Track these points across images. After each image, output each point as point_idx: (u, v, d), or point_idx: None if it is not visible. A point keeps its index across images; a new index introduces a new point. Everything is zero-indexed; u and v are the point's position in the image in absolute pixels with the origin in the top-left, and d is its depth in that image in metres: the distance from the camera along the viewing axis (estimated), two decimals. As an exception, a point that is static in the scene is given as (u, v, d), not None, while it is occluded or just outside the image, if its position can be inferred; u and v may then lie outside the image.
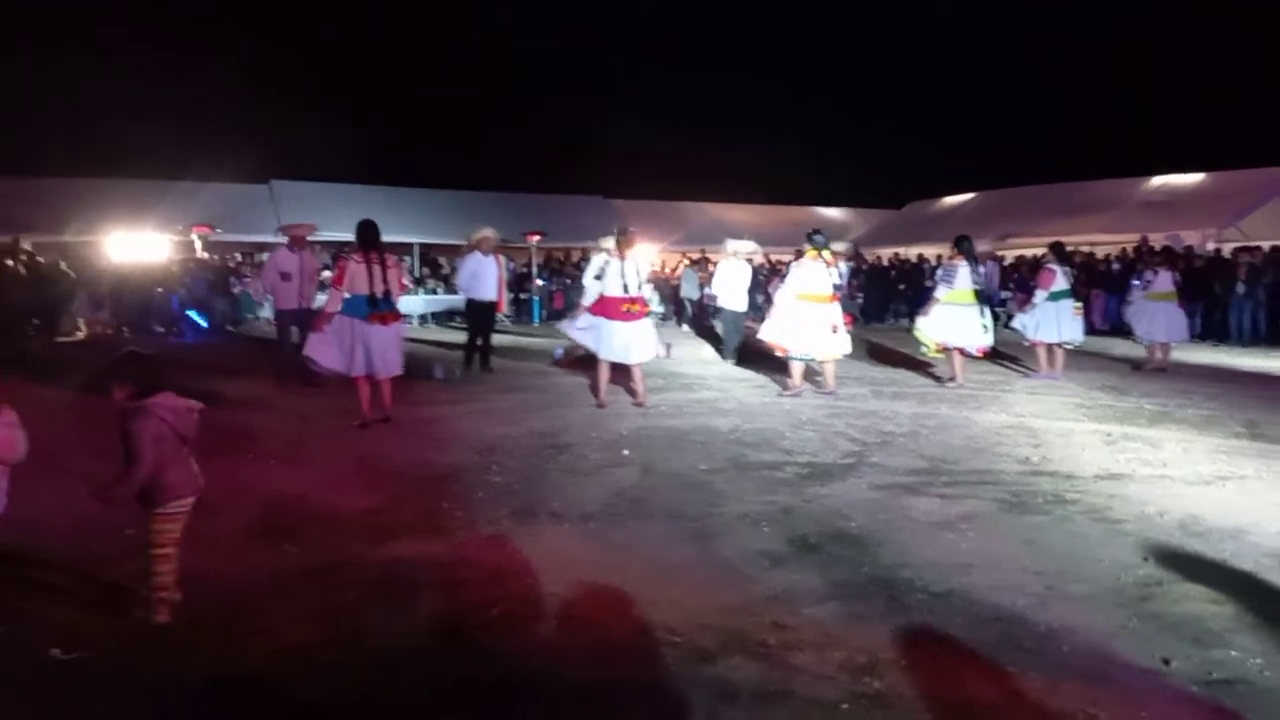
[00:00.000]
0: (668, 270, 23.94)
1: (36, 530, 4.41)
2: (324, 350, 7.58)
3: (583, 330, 8.72)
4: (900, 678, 3.25)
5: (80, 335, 16.91)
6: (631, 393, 8.81)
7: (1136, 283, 12.28)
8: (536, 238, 21.72)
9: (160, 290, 18.71)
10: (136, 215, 20.00)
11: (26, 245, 17.16)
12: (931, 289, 10.61)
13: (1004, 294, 18.76)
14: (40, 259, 17.17)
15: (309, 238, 10.69)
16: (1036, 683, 3.19)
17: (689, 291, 19.44)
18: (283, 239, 11.01)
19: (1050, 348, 10.73)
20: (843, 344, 9.27)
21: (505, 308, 11.73)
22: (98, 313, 17.59)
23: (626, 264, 8.50)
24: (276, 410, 8.48)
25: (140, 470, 3.55)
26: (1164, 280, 11.85)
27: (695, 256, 23.03)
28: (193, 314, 18.28)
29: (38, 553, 4.33)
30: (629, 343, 8.50)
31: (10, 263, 15.83)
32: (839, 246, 12.59)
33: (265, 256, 22.79)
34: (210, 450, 6.61)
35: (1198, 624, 3.67)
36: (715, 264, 15.99)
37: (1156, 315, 11.77)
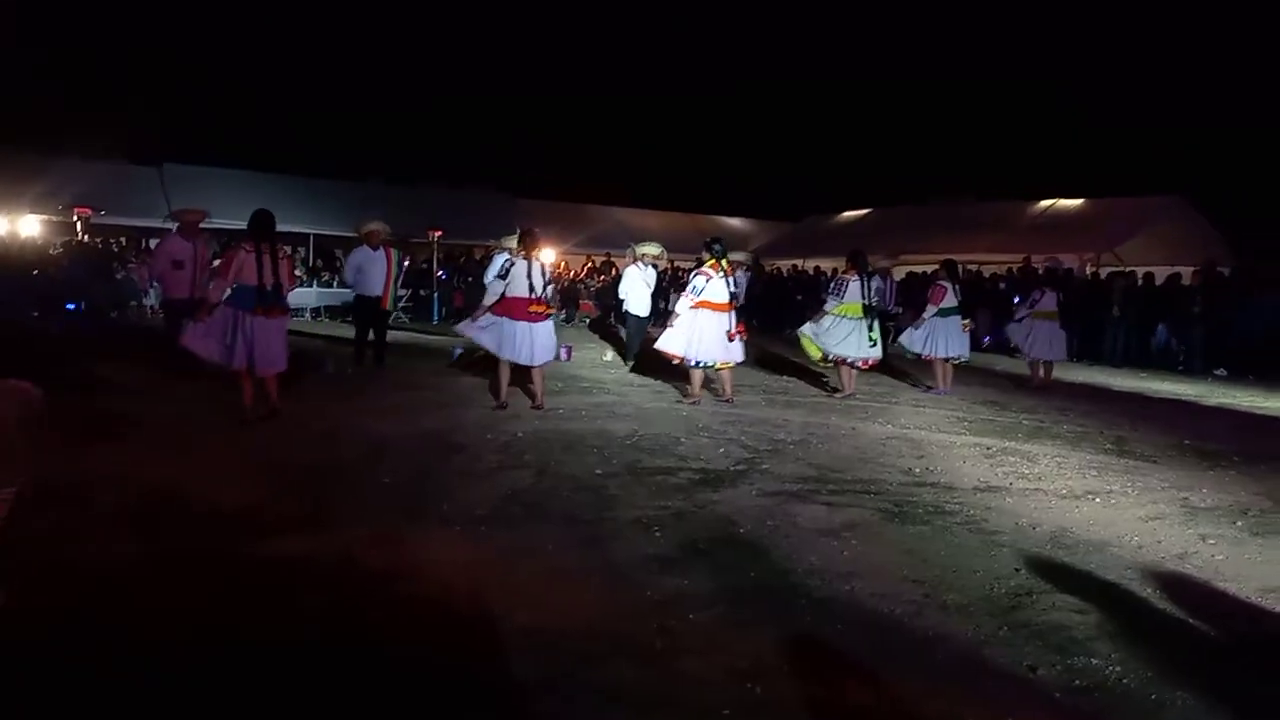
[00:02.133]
0: (571, 272, 23.94)
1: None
2: (203, 341, 7.34)
3: (482, 330, 8.57)
4: (782, 683, 3.31)
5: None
6: (530, 395, 8.76)
7: (1020, 300, 12.78)
8: (438, 233, 21.44)
9: (37, 273, 17.83)
10: (12, 191, 19.01)
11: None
12: (824, 301, 10.85)
13: (896, 309, 19.29)
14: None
15: (200, 225, 10.35)
16: (911, 689, 3.29)
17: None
18: (173, 225, 10.65)
19: (941, 363, 11.07)
20: (737, 352, 9.39)
21: (390, 303, 11.53)
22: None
23: (532, 265, 8.47)
24: (157, 400, 8.17)
25: None
26: (1049, 300, 12.38)
27: (600, 259, 23.07)
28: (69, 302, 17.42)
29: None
30: (532, 344, 8.44)
31: None
32: (737, 256, 12.71)
33: (154, 243, 22.04)
34: (87, 438, 6.39)
35: (1063, 633, 3.84)
36: (618, 268, 15.87)
37: (1040, 334, 12.30)
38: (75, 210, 19.30)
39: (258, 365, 7.38)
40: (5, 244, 17.86)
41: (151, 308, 19.36)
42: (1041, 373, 12.37)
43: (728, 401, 9.40)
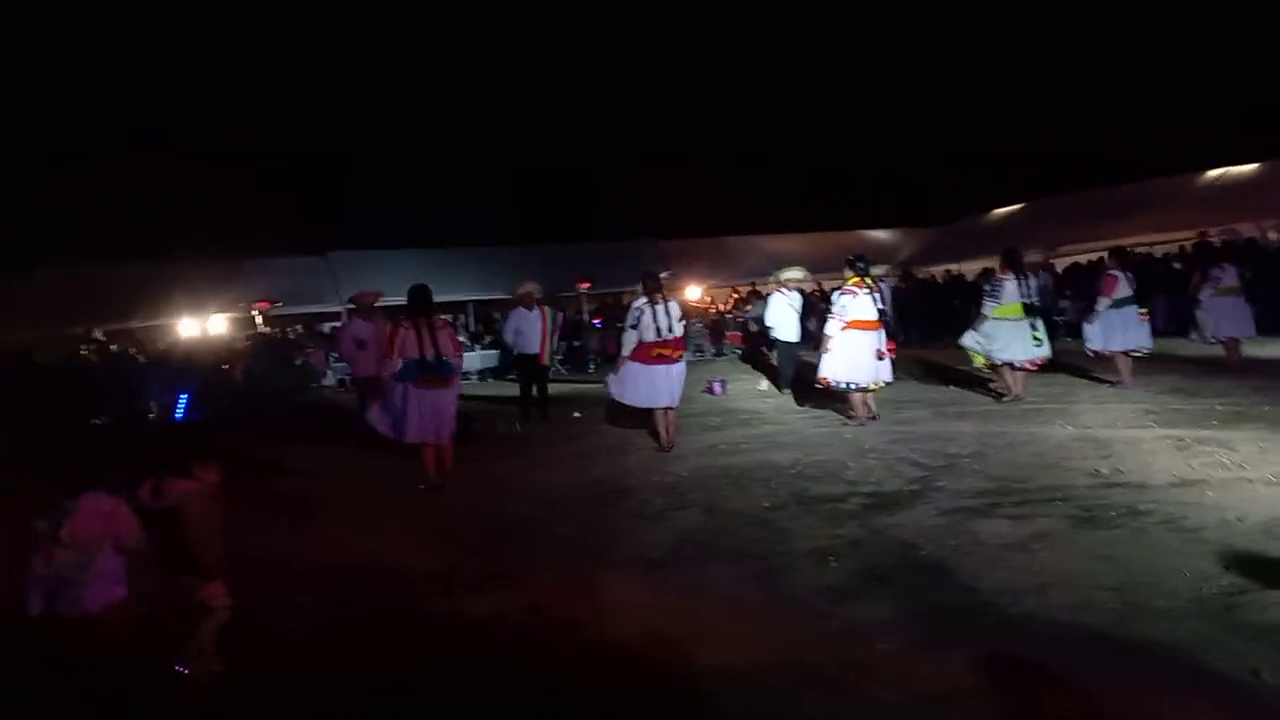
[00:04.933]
0: (717, 306, 24.01)
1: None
2: (379, 417, 7.76)
3: (620, 383, 8.80)
4: (980, 706, 3.21)
5: (152, 416, 17.40)
6: (664, 434, 8.69)
7: (1201, 280, 11.98)
8: (586, 285, 21.98)
9: (226, 367, 19.22)
10: (200, 296, 20.65)
11: (98, 334, 17.81)
12: (982, 304, 10.45)
13: (1062, 303, 18.39)
14: (112, 346, 17.80)
15: (376, 304, 10.97)
16: (1120, 703, 3.12)
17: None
18: (353, 308, 11.32)
19: (1121, 356, 10.46)
20: (886, 371, 9.14)
21: (547, 359, 11.97)
22: (167, 394, 18.08)
23: (657, 308, 8.58)
24: (341, 474, 8.60)
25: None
26: (1230, 275, 11.57)
27: (745, 289, 23.07)
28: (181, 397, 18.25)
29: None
30: (655, 387, 8.54)
31: (83, 351, 16.44)
32: (877, 269, 12.41)
33: (327, 327, 23.48)
34: (277, 515, 6.81)
35: (1286, 632, 3.57)
36: (763, 295, 15.75)
37: (1223, 311, 11.49)
38: (254, 306, 20.81)
39: (427, 436, 7.69)
40: (196, 344, 19.35)
41: (332, 388, 20.55)
42: (1233, 351, 11.52)
43: (874, 419, 9.15)
